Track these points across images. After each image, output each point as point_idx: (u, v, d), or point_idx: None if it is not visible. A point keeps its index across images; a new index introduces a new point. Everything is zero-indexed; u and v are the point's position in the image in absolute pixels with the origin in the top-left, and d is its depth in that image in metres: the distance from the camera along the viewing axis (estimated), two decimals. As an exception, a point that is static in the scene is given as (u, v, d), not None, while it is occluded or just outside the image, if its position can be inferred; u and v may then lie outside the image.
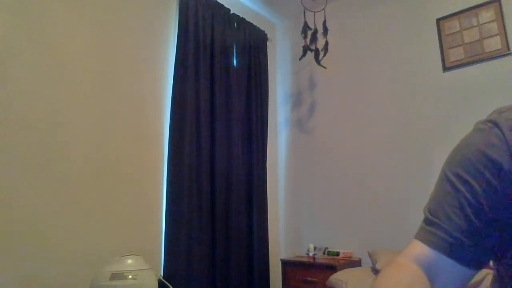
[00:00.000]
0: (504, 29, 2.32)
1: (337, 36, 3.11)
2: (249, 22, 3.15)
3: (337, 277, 2.19)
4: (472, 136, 0.53)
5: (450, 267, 0.50)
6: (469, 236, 0.49)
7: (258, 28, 3.26)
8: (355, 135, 2.93)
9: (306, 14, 2.97)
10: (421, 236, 0.53)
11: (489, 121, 0.52)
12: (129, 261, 1.65)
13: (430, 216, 0.53)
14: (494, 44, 2.35)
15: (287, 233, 3.22)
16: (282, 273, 2.79)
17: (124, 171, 2.12)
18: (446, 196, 0.52)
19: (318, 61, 2.94)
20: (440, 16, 2.60)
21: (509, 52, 2.29)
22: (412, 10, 2.76)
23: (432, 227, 0.52)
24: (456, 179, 0.51)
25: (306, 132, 3.27)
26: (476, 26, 2.44)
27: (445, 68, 2.53)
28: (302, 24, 2.98)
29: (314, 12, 3.02)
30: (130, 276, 1.57)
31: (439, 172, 0.56)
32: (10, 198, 1.64)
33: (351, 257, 2.68)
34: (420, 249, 0.51)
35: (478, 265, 0.51)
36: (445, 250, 0.50)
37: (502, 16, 2.34)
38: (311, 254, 2.77)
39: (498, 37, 2.34)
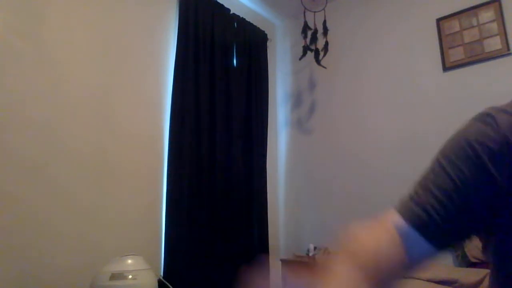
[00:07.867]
0: (504, 29, 2.32)
1: (337, 36, 3.11)
2: (249, 22, 3.15)
3: (337, 277, 2.19)
4: (468, 127, 0.55)
5: (423, 244, 0.52)
6: (449, 221, 0.51)
7: (258, 28, 3.26)
8: (355, 135, 2.93)
9: (306, 14, 2.97)
10: (402, 210, 0.56)
11: (487, 114, 0.53)
12: (129, 261, 1.65)
13: (414, 195, 0.56)
14: (494, 44, 2.35)
15: (287, 233, 3.22)
16: (282, 273, 2.79)
17: (124, 171, 2.12)
18: (434, 177, 0.54)
19: (318, 61, 2.94)
20: (440, 16, 2.60)
21: (509, 52, 2.29)
22: (412, 10, 2.76)
23: (414, 205, 0.54)
24: (447, 163, 0.53)
25: (306, 132, 3.27)
26: (476, 26, 2.44)
27: (445, 68, 2.53)
28: (302, 24, 2.98)
29: (314, 12, 3.02)
30: (130, 276, 1.56)
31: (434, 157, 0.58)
32: (10, 198, 1.63)
33: (351, 257, 2.67)
34: (400, 221, 0.54)
35: (447, 248, 0.54)
36: (423, 230, 0.52)
37: (502, 16, 2.34)
38: (311, 254, 2.77)
39: (498, 37, 2.34)
